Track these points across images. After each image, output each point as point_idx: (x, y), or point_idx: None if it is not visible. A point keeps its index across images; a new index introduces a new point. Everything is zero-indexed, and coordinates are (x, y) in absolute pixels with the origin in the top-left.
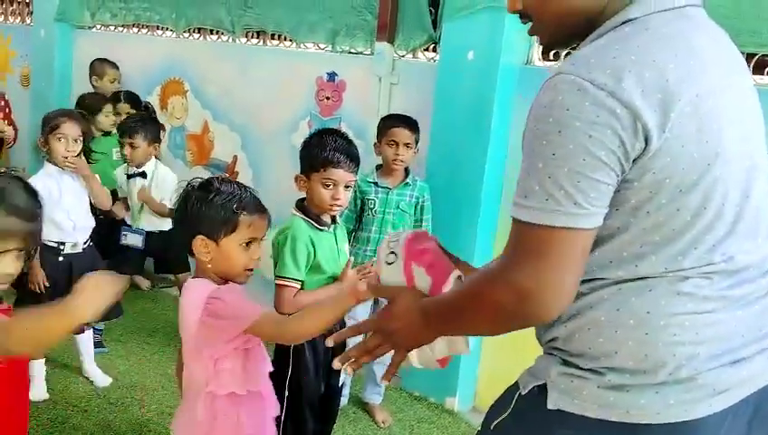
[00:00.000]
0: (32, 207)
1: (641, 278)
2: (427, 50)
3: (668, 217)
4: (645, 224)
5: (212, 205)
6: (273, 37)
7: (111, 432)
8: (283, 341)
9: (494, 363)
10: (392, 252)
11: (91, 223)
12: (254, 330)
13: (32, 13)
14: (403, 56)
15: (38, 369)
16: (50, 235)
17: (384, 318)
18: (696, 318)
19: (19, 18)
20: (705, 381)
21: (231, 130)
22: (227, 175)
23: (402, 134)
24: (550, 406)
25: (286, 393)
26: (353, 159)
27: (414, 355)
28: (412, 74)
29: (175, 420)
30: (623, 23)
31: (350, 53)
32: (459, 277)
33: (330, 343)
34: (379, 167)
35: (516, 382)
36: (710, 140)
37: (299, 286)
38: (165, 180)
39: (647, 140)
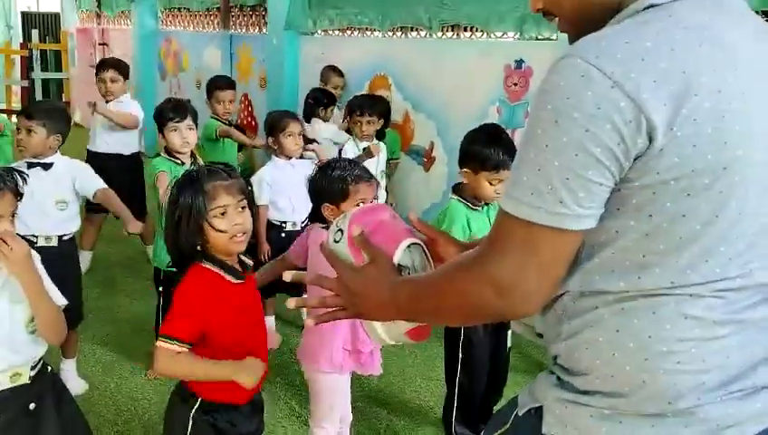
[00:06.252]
0: (226, 169)
1: (646, 296)
2: None
3: (673, 223)
4: (646, 228)
5: (329, 179)
6: (465, 30)
7: None
8: None
9: None
10: (339, 229)
11: (308, 207)
12: None
13: (267, 23)
14: None
15: None
16: (274, 216)
17: (351, 277)
18: (703, 345)
19: (257, 28)
20: (707, 416)
21: (428, 119)
22: (425, 160)
23: None
24: (544, 431)
25: (460, 355)
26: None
27: (379, 329)
28: None
29: None
30: (645, 8)
31: (537, 39)
32: (414, 245)
33: (291, 304)
34: None
35: (515, 398)
36: (730, 141)
37: None
38: None
39: (651, 138)
